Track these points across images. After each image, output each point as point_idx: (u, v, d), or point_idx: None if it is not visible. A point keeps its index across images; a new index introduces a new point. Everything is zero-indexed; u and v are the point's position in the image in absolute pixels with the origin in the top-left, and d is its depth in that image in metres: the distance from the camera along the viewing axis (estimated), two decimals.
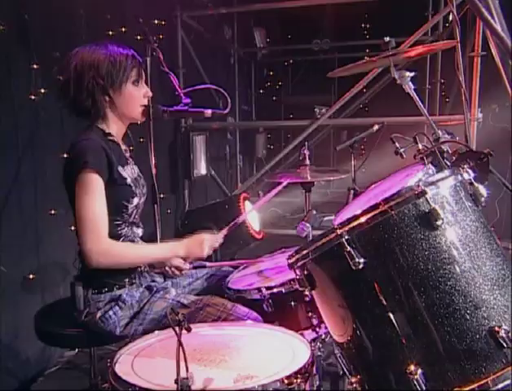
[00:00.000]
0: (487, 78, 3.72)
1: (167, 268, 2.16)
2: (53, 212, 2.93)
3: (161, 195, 2.43)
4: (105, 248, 1.79)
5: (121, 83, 1.89)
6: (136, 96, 1.95)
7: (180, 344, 1.16)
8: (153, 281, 2.07)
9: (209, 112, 2.12)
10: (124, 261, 1.88)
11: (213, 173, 5.15)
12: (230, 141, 5.84)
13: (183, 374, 1.17)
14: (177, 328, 1.20)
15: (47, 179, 2.90)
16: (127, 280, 1.92)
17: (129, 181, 1.91)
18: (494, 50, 0.87)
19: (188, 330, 1.22)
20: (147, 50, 2.43)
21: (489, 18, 0.73)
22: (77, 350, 3.11)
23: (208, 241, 1.97)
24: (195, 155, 4.70)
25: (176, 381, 1.16)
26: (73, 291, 1.90)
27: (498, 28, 0.75)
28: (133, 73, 1.92)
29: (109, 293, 1.88)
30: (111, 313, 1.86)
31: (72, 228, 1.94)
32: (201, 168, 4.86)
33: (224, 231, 2.08)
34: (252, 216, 3.45)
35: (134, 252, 1.93)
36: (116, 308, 1.86)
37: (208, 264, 2.24)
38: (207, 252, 1.97)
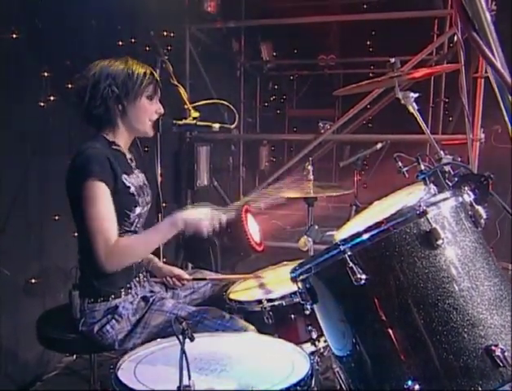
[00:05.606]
0: (490, 99, 3.75)
1: (168, 278, 2.18)
2: (57, 217, 2.95)
3: (164, 205, 2.47)
4: (112, 250, 1.79)
5: (136, 95, 1.94)
6: (148, 110, 1.98)
7: (184, 352, 1.19)
8: (152, 291, 2.06)
9: (216, 126, 2.17)
10: (135, 254, 1.90)
11: (216, 184, 5.17)
12: (233, 152, 5.87)
13: (185, 382, 1.19)
14: (180, 337, 1.23)
15: (52, 185, 2.91)
16: (123, 290, 1.92)
17: (132, 189, 1.93)
18: (492, 78, 0.90)
19: (192, 339, 1.25)
20: (157, 62, 2.49)
21: (490, 54, 0.76)
22: (75, 356, 3.12)
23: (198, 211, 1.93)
24: (198, 166, 4.73)
25: (179, 389, 1.18)
26: (70, 299, 1.92)
27: (498, 64, 0.78)
28: (149, 88, 1.96)
29: (105, 303, 1.88)
30: (108, 327, 1.87)
31: (75, 234, 1.97)
32: (204, 178, 4.89)
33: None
34: (253, 228, 3.46)
35: (141, 242, 1.92)
36: (113, 321, 1.87)
37: (208, 276, 2.26)
38: (205, 216, 1.95)
